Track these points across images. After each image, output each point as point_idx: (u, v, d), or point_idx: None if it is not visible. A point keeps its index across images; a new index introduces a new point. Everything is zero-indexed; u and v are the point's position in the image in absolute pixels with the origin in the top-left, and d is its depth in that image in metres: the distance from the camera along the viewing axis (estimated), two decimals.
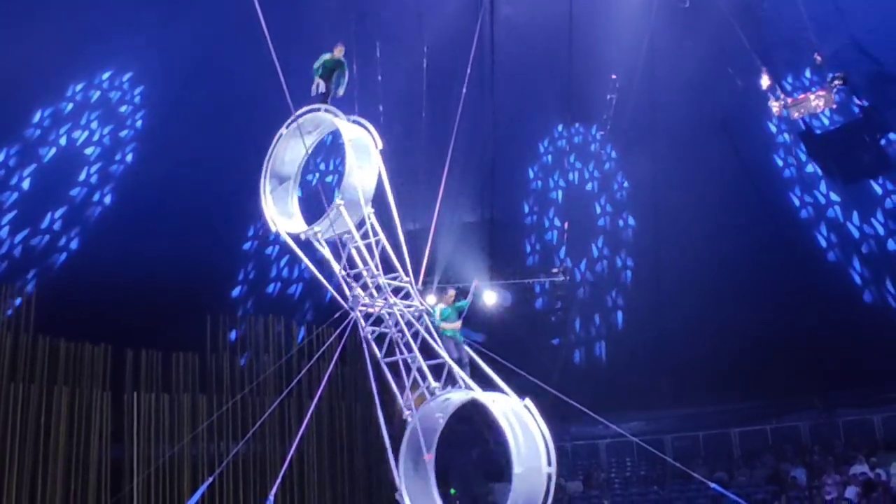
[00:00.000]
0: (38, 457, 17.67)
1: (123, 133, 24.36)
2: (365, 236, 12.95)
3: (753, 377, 25.64)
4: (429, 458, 12.47)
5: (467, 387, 11.93)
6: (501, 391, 12.27)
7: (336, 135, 13.85)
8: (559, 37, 23.82)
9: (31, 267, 22.74)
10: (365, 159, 13.24)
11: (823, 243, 26.01)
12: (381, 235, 12.85)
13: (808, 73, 23.55)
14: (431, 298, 11.82)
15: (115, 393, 19.60)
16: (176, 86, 23.54)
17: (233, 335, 22.32)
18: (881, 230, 24.77)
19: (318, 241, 13.12)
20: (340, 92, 14.18)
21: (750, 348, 25.50)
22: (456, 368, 12.20)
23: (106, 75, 23.46)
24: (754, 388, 26.28)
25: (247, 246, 27.07)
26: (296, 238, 13.46)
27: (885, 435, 25.48)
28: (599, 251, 29.57)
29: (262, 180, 13.96)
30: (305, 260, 13.37)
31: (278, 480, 13.23)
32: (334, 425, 23.62)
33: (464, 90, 13.84)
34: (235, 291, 26.86)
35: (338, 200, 12.62)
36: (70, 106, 23.10)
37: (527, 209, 29.87)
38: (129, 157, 24.53)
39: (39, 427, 17.85)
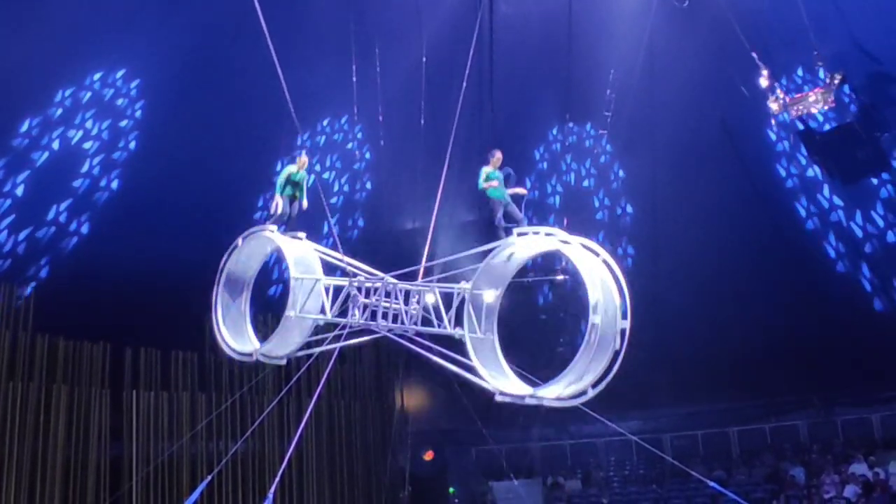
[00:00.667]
0: (37, 455, 17.67)
1: (123, 123, 24.26)
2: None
3: (752, 376, 25.66)
4: (429, 456, 12.43)
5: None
6: None
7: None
8: (558, 36, 23.80)
9: (29, 266, 22.71)
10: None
11: (823, 243, 26.01)
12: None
13: (807, 73, 23.56)
14: (430, 298, 11.71)
15: (114, 391, 19.61)
16: (174, 85, 23.50)
17: None
18: (881, 226, 24.76)
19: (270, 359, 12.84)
20: (304, 204, 13.67)
21: (749, 348, 25.52)
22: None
23: (97, 76, 23.34)
24: (753, 388, 26.30)
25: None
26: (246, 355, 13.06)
27: (883, 434, 25.53)
28: (599, 243, 29.52)
29: (214, 295, 13.55)
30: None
31: (277, 479, 13.25)
32: (333, 424, 23.64)
33: (463, 88, 13.80)
34: None
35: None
36: (59, 111, 22.93)
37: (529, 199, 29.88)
38: (127, 155, 24.49)
39: (38, 425, 17.85)
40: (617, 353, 10.21)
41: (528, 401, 10.72)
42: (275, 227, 13.17)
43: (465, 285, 10.88)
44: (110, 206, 23.97)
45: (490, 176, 12.17)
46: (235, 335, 13.35)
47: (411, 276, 11.87)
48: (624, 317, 10.34)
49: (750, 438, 27.67)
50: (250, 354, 12.87)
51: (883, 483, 21.32)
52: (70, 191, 23.28)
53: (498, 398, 10.81)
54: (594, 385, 10.42)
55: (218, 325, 13.31)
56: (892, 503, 20.72)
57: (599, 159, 29.16)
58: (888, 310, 25.08)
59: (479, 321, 10.90)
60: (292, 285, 12.28)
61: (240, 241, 13.34)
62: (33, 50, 20.40)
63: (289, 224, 13.45)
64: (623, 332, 10.30)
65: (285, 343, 12.73)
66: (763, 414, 27.61)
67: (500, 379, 11.10)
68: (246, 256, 13.53)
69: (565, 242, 10.62)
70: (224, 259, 13.40)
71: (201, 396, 20.90)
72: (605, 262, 10.40)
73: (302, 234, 13.05)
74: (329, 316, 12.25)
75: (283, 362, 12.98)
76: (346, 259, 12.51)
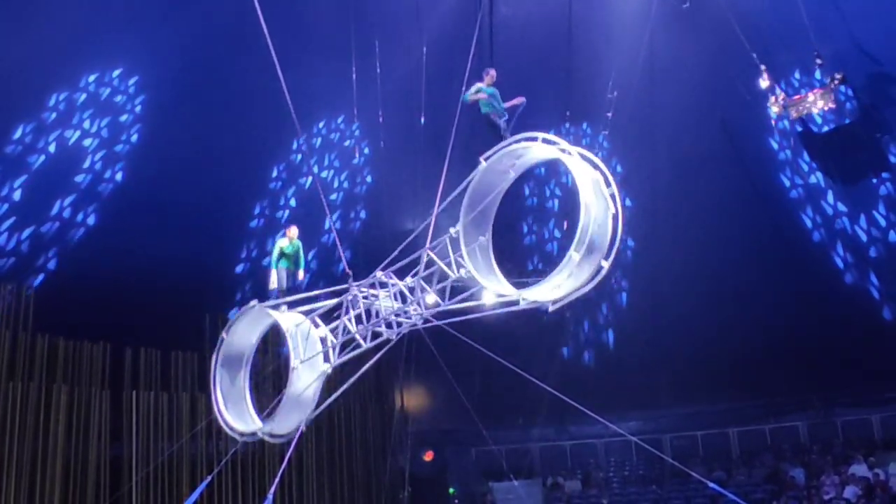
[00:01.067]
0: (37, 455, 17.66)
1: (123, 117, 24.24)
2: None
3: (752, 377, 25.68)
4: (429, 456, 12.46)
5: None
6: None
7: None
8: (558, 37, 23.83)
9: (28, 266, 22.71)
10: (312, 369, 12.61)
11: (824, 244, 26.03)
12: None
13: (807, 73, 23.57)
14: (431, 298, 11.73)
15: (113, 391, 19.60)
16: (173, 86, 23.49)
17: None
18: (882, 228, 24.78)
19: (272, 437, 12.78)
20: (301, 275, 13.87)
21: (749, 348, 25.53)
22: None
23: (92, 77, 23.32)
24: (753, 388, 26.32)
25: (245, 246, 27.06)
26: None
27: (883, 435, 25.55)
28: None
29: (212, 375, 13.42)
30: None
31: (277, 479, 13.22)
32: (333, 424, 23.64)
33: (463, 89, 13.79)
34: (236, 290, 26.84)
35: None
36: (53, 116, 22.90)
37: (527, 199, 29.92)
38: (125, 152, 24.49)
39: (38, 425, 17.84)
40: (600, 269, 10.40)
41: (522, 304, 10.92)
42: (255, 302, 13.10)
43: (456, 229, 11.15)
44: (109, 208, 23.95)
45: (485, 91, 12.44)
46: (237, 415, 13.19)
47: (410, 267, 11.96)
48: (615, 224, 10.47)
49: (750, 439, 27.67)
50: (254, 434, 12.73)
51: (883, 484, 21.34)
52: (69, 190, 23.27)
53: (487, 302, 11.15)
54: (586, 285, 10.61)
55: (219, 406, 13.19)
56: None
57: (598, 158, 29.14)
58: (881, 307, 25.14)
59: (473, 223, 11.24)
60: (290, 343, 12.26)
61: (224, 335, 13.27)
62: (25, 55, 20.35)
63: (288, 293, 13.54)
64: (613, 238, 10.45)
65: (288, 419, 12.56)
66: (763, 414, 27.62)
67: (493, 281, 11.31)
68: (241, 332, 13.40)
69: (565, 151, 10.73)
70: (217, 348, 13.34)
71: (201, 396, 20.86)
72: (602, 173, 10.54)
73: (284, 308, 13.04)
74: (334, 361, 12.37)
75: (289, 438, 12.75)
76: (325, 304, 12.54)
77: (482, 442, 24.38)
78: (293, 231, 14.14)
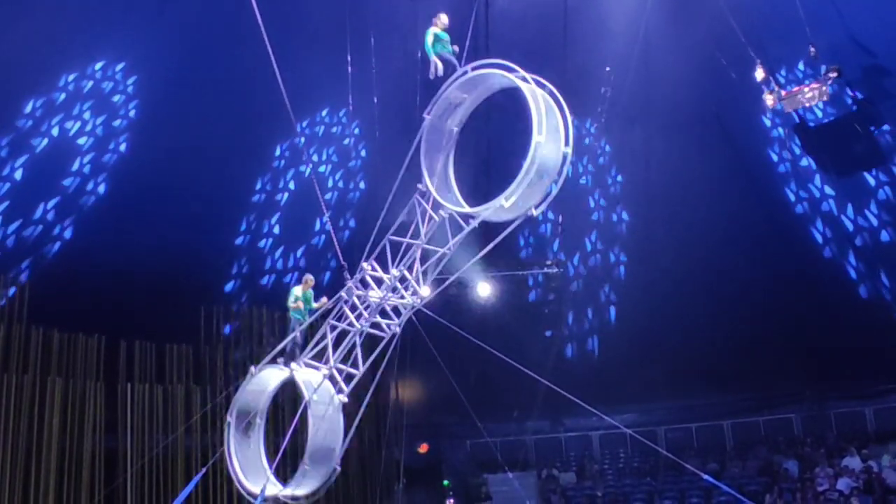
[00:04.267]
0: (31, 447, 17.66)
1: (116, 123, 24.25)
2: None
3: (746, 369, 25.73)
4: (424, 449, 12.54)
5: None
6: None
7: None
8: (554, 28, 23.77)
9: (24, 257, 22.67)
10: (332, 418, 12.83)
11: (818, 237, 26.09)
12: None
13: (802, 66, 23.58)
14: (426, 290, 11.76)
15: (108, 384, 19.59)
16: (169, 77, 23.45)
17: (227, 328, 22.30)
18: (875, 222, 24.84)
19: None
20: (304, 324, 13.92)
21: (743, 341, 25.58)
22: None
23: (98, 65, 23.32)
24: (747, 381, 26.38)
25: (240, 239, 27.04)
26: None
27: (876, 427, 25.61)
28: (593, 245, 29.59)
29: (226, 442, 13.48)
30: None
31: (272, 471, 13.22)
32: None
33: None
34: (229, 283, 26.83)
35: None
36: (63, 96, 22.97)
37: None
38: (122, 147, 24.43)
39: (33, 418, 17.84)
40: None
41: (472, 222, 11.72)
42: (253, 369, 13.38)
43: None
44: (104, 200, 23.93)
45: (438, 36, 12.90)
46: (252, 475, 13.26)
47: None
48: (567, 143, 11.15)
49: (744, 431, 27.73)
50: (276, 499, 12.78)
51: (876, 476, 21.42)
52: (65, 181, 23.23)
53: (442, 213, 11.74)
54: (536, 207, 11.31)
55: (234, 468, 13.26)
56: (886, 497, 20.81)
57: (598, 160, 29.20)
58: (875, 299, 25.21)
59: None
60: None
61: (229, 418, 13.37)
62: (42, 32, 20.46)
63: (295, 351, 13.60)
64: (565, 156, 11.14)
65: (312, 478, 12.64)
66: (757, 407, 27.68)
67: (446, 194, 12.13)
68: (254, 388, 13.51)
69: (521, 78, 11.42)
70: (230, 411, 13.43)
71: (196, 389, 20.89)
72: (551, 92, 11.27)
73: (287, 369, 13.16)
74: (346, 393, 12.76)
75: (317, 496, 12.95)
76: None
77: (477, 434, 24.38)
78: (309, 279, 14.35)
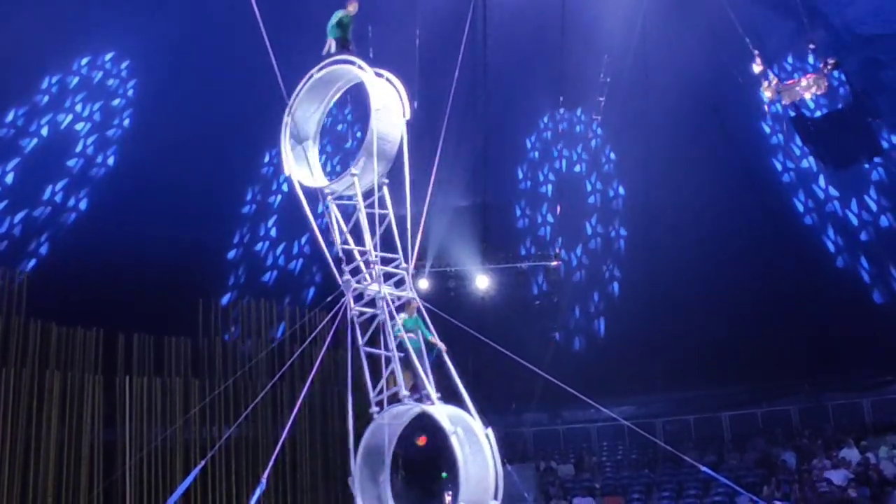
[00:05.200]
0: (30, 440, 17.63)
1: (115, 119, 24.21)
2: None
3: (744, 362, 25.77)
4: (422, 441, 12.40)
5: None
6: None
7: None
8: (552, 20, 23.75)
9: (21, 251, 22.65)
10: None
11: (816, 229, 26.09)
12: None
13: (800, 58, 23.56)
14: (424, 283, 11.76)
15: (106, 377, 19.55)
16: (167, 70, 23.41)
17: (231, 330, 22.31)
18: (874, 212, 24.84)
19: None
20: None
21: (741, 333, 25.61)
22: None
23: (84, 61, 23.21)
24: (745, 373, 26.42)
25: (238, 235, 27.03)
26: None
27: (874, 419, 25.64)
28: (592, 229, 29.65)
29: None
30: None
31: (270, 464, 13.21)
32: (326, 409, 23.62)
33: (456, 74, 13.76)
34: (228, 275, 26.83)
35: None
36: (61, 91, 22.88)
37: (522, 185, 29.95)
38: (120, 141, 24.40)
39: (31, 411, 17.81)
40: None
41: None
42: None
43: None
44: (102, 193, 23.91)
45: (342, 20, 13.56)
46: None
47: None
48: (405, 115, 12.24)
49: (742, 423, 27.76)
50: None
51: (874, 467, 21.46)
52: (62, 174, 23.20)
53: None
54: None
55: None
56: (883, 488, 20.85)
57: (591, 144, 29.20)
58: (887, 300, 25.21)
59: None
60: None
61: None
62: (18, 37, 20.25)
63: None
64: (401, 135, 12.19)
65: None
66: (755, 399, 27.71)
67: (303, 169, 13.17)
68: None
69: (361, 69, 12.54)
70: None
71: (194, 382, 20.86)
72: (388, 80, 12.39)
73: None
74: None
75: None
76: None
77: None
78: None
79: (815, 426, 26.01)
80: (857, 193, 24.86)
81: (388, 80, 12.75)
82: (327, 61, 13.23)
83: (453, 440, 10.37)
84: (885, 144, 23.77)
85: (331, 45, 13.79)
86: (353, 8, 14.08)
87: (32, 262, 22.58)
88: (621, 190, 29.29)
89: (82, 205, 23.59)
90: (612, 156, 28.02)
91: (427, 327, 12.56)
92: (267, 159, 26.81)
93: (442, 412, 11.88)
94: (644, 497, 24.77)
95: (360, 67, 12.75)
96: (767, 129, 26.15)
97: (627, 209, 29.14)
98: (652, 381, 27.29)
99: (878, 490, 20.75)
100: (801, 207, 26.17)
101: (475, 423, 11.93)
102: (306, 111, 13.61)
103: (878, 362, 24.40)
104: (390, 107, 12.65)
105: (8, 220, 22.23)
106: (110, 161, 23.88)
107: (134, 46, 23.27)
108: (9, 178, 21.96)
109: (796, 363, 25.58)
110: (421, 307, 12.56)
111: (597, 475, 26.65)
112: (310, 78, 13.25)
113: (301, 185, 13.08)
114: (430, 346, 12.51)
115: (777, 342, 25.12)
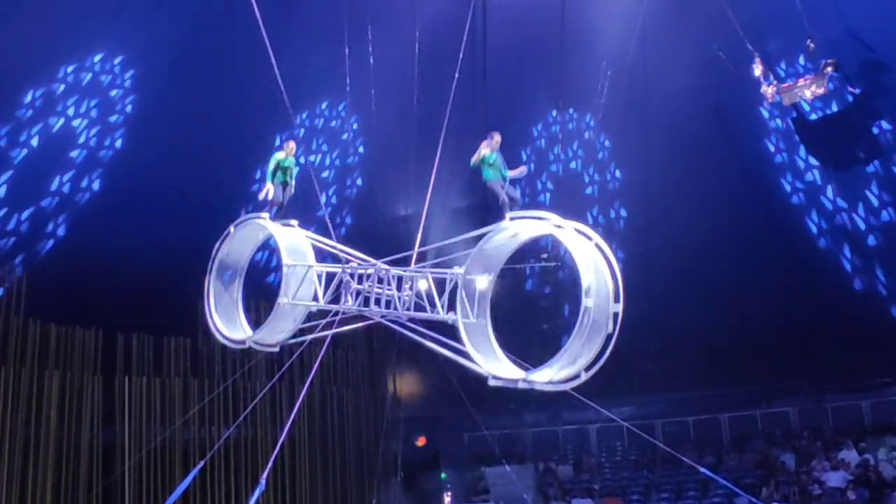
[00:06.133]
0: (28, 440, 17.62)
1: (113, 118, 24.21)
2: None
3: (743, 363, 25.76)
4: (422, 442, 12.42)
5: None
6: None
7: None
8: (552, 21, 23.73)
9: (20, 251, 22.63)
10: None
11: (814, 230, 26.09)
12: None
13: (800, 60, 23.55)
14: (423, 284, 11.71)
15: (106, 377, 19.55)
16: (166, 71, 23.40)
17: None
18: (874, 214, 24.83)
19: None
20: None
21: (740, 334, 25.60)
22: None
23: (97, 58, 23.28)
24: (744, 374, 26.41)
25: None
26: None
27: (873, 420, 25.67)
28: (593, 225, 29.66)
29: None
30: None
31: (269, 464, 13.20)
32: (325, 410, 23.65)
33: (456, 74, 13.74)
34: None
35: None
36: (62, 87, 22.93)
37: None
38: (118, 143, 24.41)
39: (30, 411, 17.79)
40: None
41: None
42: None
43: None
44: (101, 193, 23.89)
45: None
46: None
47: (404, 262, 11.87)
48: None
49: (741, 424, 27.79)
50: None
51: (873, 469, 21.47)
52: (63, 171, 23.20)
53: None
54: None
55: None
56: (882, 489, 20.87)
57: (597, 155, 29.23)
58: (872, 293, 25.22)
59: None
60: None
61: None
62: (16, 37, 20.32)
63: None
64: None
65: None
66: (754, 400, 27.72)
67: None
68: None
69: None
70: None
71: (194, 382, 20.87)
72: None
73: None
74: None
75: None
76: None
77: (474, 427, 24.45)
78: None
79: (814, 427, 26.04)
80: (859, 196, 24.84)
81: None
82: (244, 218, 13.31)
83: (579, 258, 10.12)
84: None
85: (269, 190, 13.35)
86: (290, 148, 13.67)
87: (31, 263, 22.56)
88: (622, 211, 29.34)
89: (81, 206, 23.58)
90: (616, 171, 28.09)
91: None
92: (267, 159, 26.84)
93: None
94: (643, 498, 24.81)
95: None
96: (767, 130, 26.12)
97: (629, 229, 29.12)
98: (651, 383, 27.29)
99: (878, 492, 20.78)
100: (801, 209, 26.15)
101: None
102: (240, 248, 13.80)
103: (877, 364, 24.40)
104: (300, 249, 12.67)
105: (7, 221, 22.24)
106: (109, 164, 23.89)
107: (133, 45, 23.30)
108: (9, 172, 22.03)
109: (796, 365, 25.57)
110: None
111: (596, 476, 26.69)
112: (227, 235, 13.51)
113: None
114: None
115: (777, 344, 25.10)
